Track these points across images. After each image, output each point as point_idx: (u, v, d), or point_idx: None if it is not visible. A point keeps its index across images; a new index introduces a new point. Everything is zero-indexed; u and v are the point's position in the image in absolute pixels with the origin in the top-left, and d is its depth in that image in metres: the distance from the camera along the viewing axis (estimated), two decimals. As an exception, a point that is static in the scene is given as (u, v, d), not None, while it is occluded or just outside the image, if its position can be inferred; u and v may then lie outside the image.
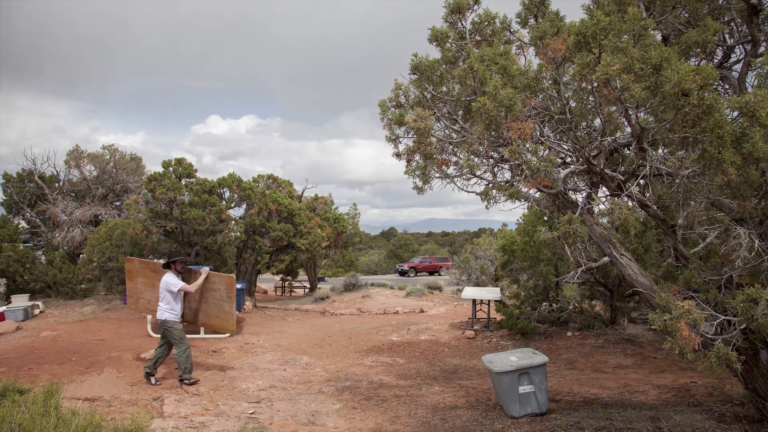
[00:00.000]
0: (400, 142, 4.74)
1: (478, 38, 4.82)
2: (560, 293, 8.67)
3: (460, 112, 4.69)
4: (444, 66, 4.57)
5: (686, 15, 4.38)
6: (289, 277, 19.22)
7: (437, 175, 4.55)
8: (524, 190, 3.91)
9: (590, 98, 4.03)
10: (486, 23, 4.79)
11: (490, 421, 4.40)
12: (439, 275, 29.18)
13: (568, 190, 4.33)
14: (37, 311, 12.07)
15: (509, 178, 4.20)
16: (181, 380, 5.93)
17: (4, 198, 15.13)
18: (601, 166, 3.88)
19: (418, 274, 31.15)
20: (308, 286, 20.10)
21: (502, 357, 4.80)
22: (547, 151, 4.10)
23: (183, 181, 12.18)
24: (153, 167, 16.78)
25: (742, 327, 3.21)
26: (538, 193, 4.14)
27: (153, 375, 5.99)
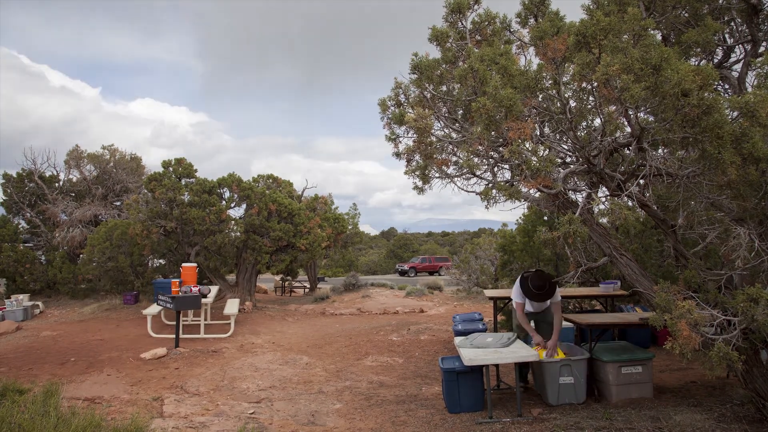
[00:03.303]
0: (400, 142, 4.74)
1: (479, 38, 4.83)
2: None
3: (460, 112, 4.69)
4: (444, 66, 4.58)
5: (686, 15, 4.38)
6: (289, 277, 19.20)
7: (437, 175, 4.55)
8: (524, 190, 3.91)
9: (590, 98, 4.04)
10: (486, 23, 4.79)
11: (490, 420, 4.41)
12: (439, 275, 29.17)
13: (568, 190, 4.33)
14: (37, 311, 12.08)
15: (509, 178, 4.21)
16: None
17: (4, 198, 15.11)
18: (601, 166, 3.88)
19: (418, 274, 31.13)
20: (308, 286, 20.09)
21: None
22: (547, 151, 4.11)
23: (183, 181, 12.18)
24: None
25: (742, 327, 3.21)
26: (538, 193, 4.14)
27: None
